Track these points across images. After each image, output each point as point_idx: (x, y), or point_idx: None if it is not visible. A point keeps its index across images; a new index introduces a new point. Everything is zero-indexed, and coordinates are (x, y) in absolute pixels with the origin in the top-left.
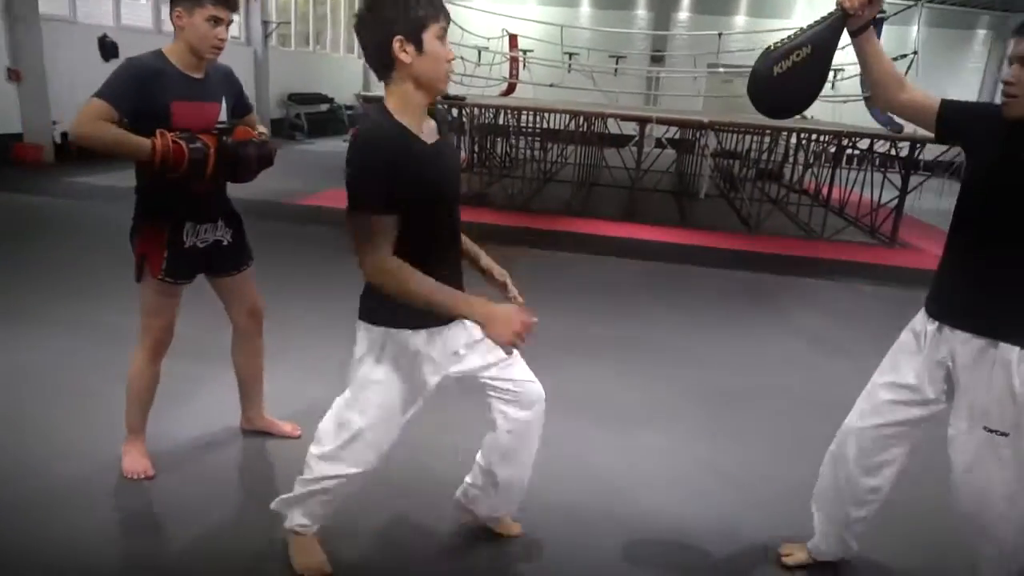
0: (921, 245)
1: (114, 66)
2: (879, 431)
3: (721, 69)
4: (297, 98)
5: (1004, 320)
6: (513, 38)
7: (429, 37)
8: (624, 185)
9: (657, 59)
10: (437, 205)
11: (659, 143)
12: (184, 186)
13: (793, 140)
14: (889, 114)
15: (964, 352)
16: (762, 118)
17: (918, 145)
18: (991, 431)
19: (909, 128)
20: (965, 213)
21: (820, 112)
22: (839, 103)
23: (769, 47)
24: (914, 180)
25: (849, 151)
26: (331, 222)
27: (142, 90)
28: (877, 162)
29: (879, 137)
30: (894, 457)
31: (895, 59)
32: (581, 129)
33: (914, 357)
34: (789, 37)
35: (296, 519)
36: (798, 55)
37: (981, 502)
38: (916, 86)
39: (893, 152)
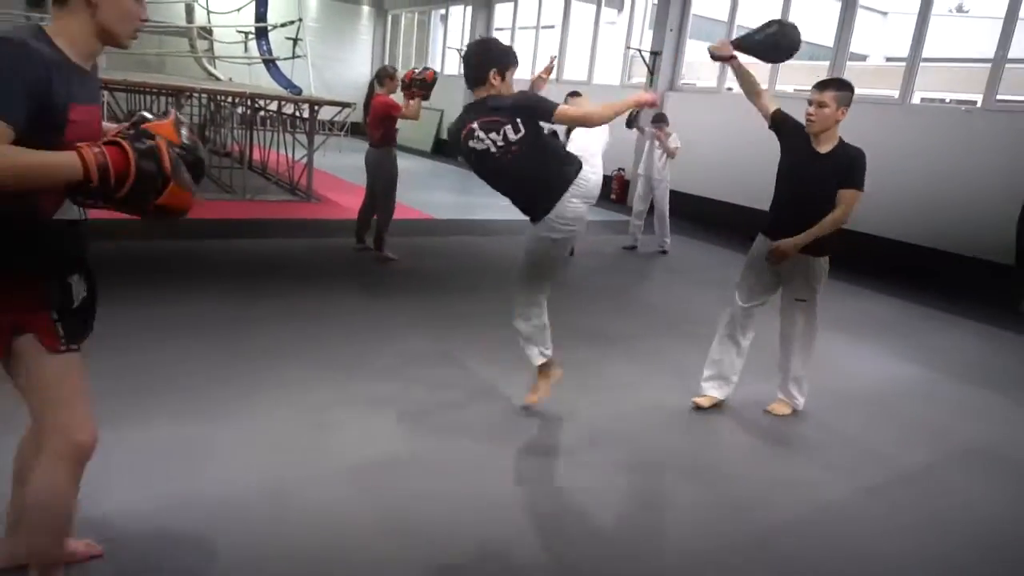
0: (332, 197)
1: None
2: (748, 311)
3: None
4: None
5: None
6: None
7: None
8: None
9: (36, 3)
10: None
11: None
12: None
13: (205, 101)
14: (289, 78)
15: (788, 260)
16: (162, 78)
17: (316, 107)
18: (798, 299)
19: (307, 92)
20: (782, 182)
21: (237, 75)
22: (246, 65)
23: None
24: (318, 139)
25: (262, 113)
26: None
27: (39, 88)
28: (287, 123)
29: (284, 99)
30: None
31: (284, 24)
32: None
33: (760, 264)
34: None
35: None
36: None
37: (786, 337)
38: (771, 95)
39: (298, 114)
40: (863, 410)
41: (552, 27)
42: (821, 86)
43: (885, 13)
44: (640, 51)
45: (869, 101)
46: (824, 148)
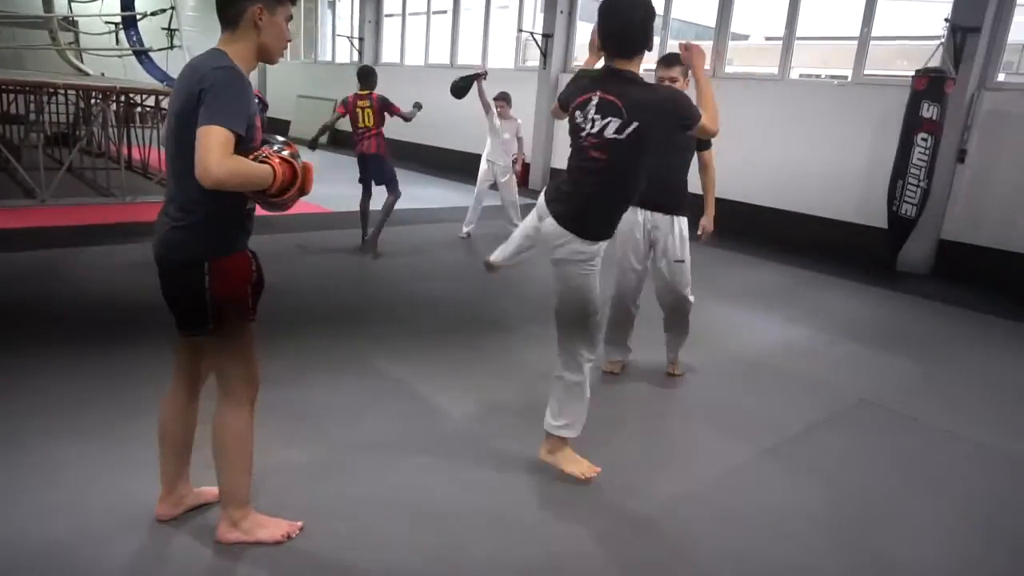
0: None
1: None
2: (634, 283)
3: None
4: None
5: (675, 205)
6: None
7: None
8: None
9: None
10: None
11: None
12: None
13: (73, 98)
14: (165, 71)
15: (663, 223)
16: (21, 74)
17: None
18: (676, 261)
19: None
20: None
21: (110, 70)
22: (119, 58)
23: None
24: None
25: (140, 109)
26: None
27: (251, 108)
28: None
29: (161, 93)
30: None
31: (155, 13)
32: None
33: (634, 236)
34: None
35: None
36: None
37: (673, 291)
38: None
39: None
40: (757, 373)
41: (444, 12)
42: (667, 62)
43: None
44: (532, 34)
45: (753, 79)
46: None
